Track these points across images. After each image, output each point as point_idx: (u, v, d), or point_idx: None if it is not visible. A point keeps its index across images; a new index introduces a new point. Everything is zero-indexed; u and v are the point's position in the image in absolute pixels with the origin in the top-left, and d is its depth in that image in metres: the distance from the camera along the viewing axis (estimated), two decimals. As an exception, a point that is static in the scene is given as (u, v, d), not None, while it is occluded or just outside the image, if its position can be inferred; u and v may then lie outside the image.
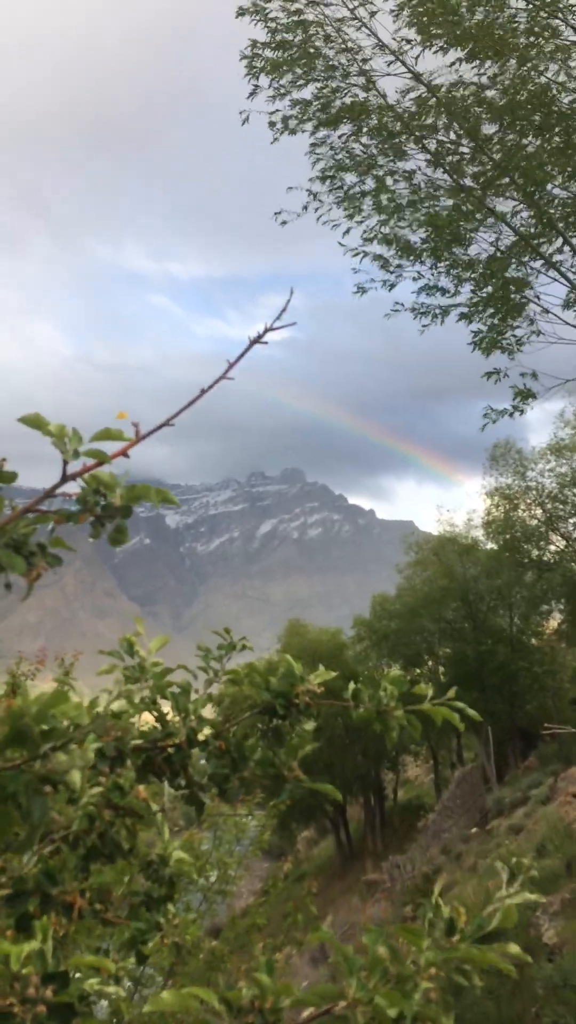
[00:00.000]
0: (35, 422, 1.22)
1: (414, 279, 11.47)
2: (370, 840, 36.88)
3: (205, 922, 4.82)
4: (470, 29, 9.75)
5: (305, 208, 11.15)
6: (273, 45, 10.48)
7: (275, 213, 11.19)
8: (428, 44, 10.07)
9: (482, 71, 10.28)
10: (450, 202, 11.02)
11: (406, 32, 10.10)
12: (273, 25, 10.45)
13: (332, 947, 1.19)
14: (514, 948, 1.28)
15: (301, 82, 10.67)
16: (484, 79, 10.31)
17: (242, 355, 1.34)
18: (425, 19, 9.84)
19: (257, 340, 1.35)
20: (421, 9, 9.82)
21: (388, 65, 10.50)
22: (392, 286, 11.50)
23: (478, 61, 10.13)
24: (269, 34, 10.51)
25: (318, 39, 10.46)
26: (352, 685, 1.61)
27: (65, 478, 1.23)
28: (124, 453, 1.25)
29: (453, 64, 10.20)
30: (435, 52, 10.12)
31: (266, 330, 1.35)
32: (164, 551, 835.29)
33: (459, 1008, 10.30)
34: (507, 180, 10.85)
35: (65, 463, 1.22)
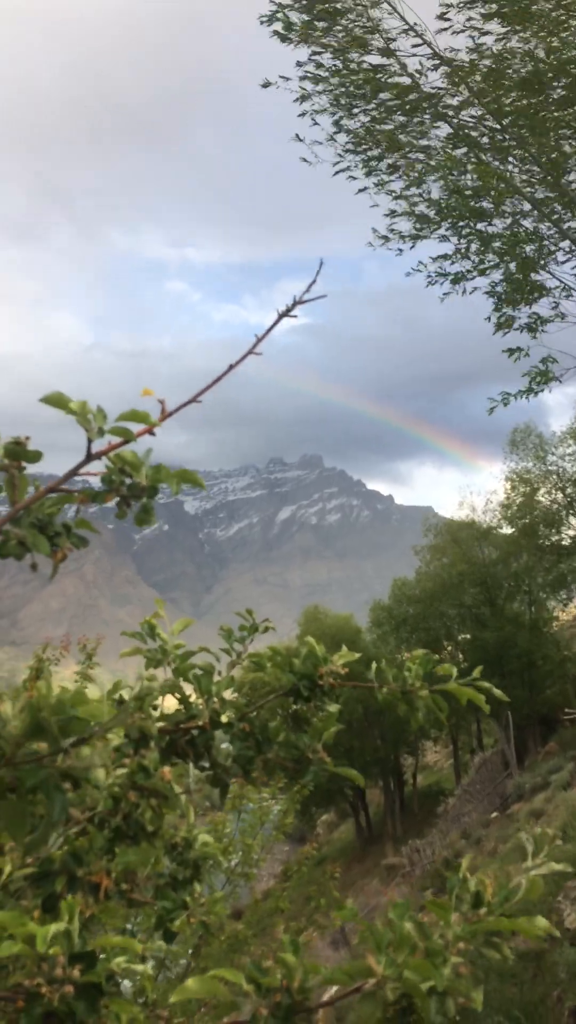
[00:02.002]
0: (57, 401, 1.20)
1: (439, 241, 11.30)
2: (390, 824, 37.01)
3: (228, 905, 4.86)
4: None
5: (335, 167, 10.96)
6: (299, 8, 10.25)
7: (302, 159, 11.03)
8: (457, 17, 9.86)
9: (507, 42, 10.06)
10: (469, 178, 10.86)
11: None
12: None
13: (358, 924, 1.18)
14: (542, 922, 1.27)
15: (329, 54, 10.47)
16: (509, 46, 10.08)
17: (272, 327, 1.32)
18: None
19: (286, 313, 1.32)
20: None
21: (413, 48, 10.34)
22: (415, 241, 11.31)
23: (506, 30, 9.90)
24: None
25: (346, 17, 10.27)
26: (375, 665, 1.61)
27: (90, 457, 1.21)
28: (150, 431, 1.23)
29: (477, 34, 9.98)
30: (464, 29, 9.92)
31: (295, 303, 1.33)
32: (183, 537, 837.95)
33: (482, 992, 10.36)
34: (527, 155, 10.70)
35: (89, 442, 1.20)
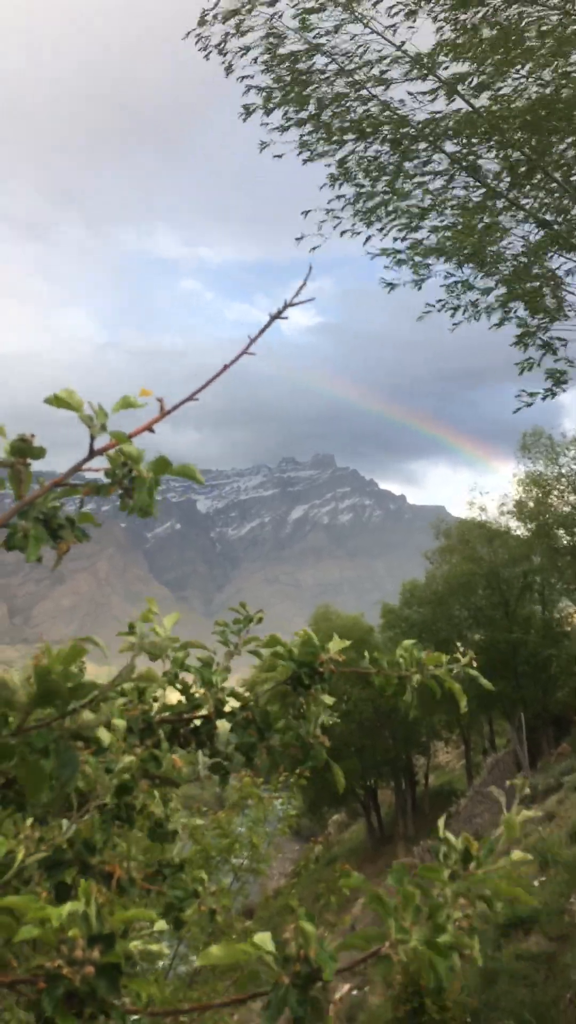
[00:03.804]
0: (59, 401, 1.24)
1: (444, 278, 11.39)
2: (401, 824, 36.98)
3: (238, 903, 4.87)
4: (497, 43, 9.58)
5: (319, 228, 11.12)
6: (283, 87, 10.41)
7: (296, 239, 11.21)
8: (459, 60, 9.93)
9: (512, 80, 10.10)
10: (472, 204, 10.90)
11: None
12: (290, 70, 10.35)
13: (364, 891, 1.24)
14: (518, 855, 1.31)
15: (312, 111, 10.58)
16: (512, 89, 10.14)
17: (263, 330, 1.36)
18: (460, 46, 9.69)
19: (277, 315, 1.36)
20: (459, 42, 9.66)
21: (405, 75, 10.36)
22: (420, 284, 11.43)
23: (506, 70, 9.97)
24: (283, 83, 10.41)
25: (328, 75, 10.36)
26: (367, 654, 1.70)
27: (93, 453, 1.26)
28: (149, 428, 1.28)
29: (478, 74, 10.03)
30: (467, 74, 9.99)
31: (286, 305, 1.36)
32: (195, 536, 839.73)
33: (493, 994, 10.31)
34: (537, 179, 10.70)
35: (92, 438, 1.25)
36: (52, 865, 1.31)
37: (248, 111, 10.71)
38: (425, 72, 10.20)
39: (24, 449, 1.22)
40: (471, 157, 10.81)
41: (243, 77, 10.57)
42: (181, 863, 1.73)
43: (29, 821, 1.35)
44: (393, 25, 9.84)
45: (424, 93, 10.31)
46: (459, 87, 10.22)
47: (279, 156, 10.96)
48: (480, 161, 10.86)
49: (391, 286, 11.55)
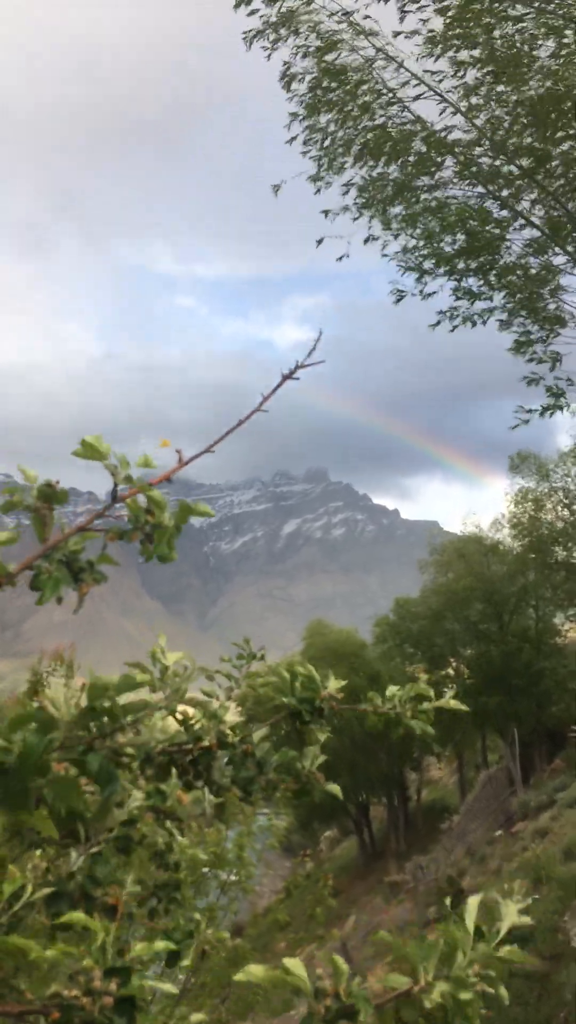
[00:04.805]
0: (89, 453, 1.31)
1: (453, 288, 11.47)
2: (393, 840, 36.78)
3: (227, 920, 4.83)
4: (496, 50, 9.71)
5: (346, 240, 11.21)
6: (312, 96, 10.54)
7: (317, 241, 11.27)
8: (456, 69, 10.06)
9: (511, 88, 10.22)
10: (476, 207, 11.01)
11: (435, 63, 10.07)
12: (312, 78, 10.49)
13: (390, 943, 1.29)
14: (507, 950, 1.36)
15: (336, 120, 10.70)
16: (513, 97, 10.26)
17: (275, 390, 1.43)
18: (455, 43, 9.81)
19: (289, 376, 1.42)
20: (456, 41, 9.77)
21: (414, 99, 10.49)
22: (428, 295, 11.51)
23: (505, 79, 10.09)
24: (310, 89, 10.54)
25: (352, 82, 10.47)
26: (362, 697, 1.73)
27: (116, 499, 1.34)
28: (167, 479, 1.37)
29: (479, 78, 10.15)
30: (461, 75, 10.10)
31: (297, 366, 1.43)
32: (188, 550, 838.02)
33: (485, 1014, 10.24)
34: (536, 185, 10.80)
35: (115, 486, 1.33)
36: (53, 896, 1.32)
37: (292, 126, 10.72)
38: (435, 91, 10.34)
39: (50, 494, 1.30)
40: (476, 168, 10.92)
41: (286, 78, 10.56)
42: (176, 883, 1.74)
43: (38, 853, 1.36)
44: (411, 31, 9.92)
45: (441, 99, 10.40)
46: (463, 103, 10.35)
47: (316, 183, 11.05)
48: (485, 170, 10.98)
49: (400, 294, 11.59)
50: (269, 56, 10.52)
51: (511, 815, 27.15)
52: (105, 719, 1.23)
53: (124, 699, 1.26)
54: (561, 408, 10.88)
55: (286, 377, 1.42)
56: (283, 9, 10.12)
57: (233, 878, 4.80)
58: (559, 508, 30.30)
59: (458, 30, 9.70)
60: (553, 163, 10.61)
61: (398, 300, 11.65)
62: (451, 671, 35.63)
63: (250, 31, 10.37)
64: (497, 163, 10.83)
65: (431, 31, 9.84)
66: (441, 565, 34.91)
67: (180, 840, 1.72)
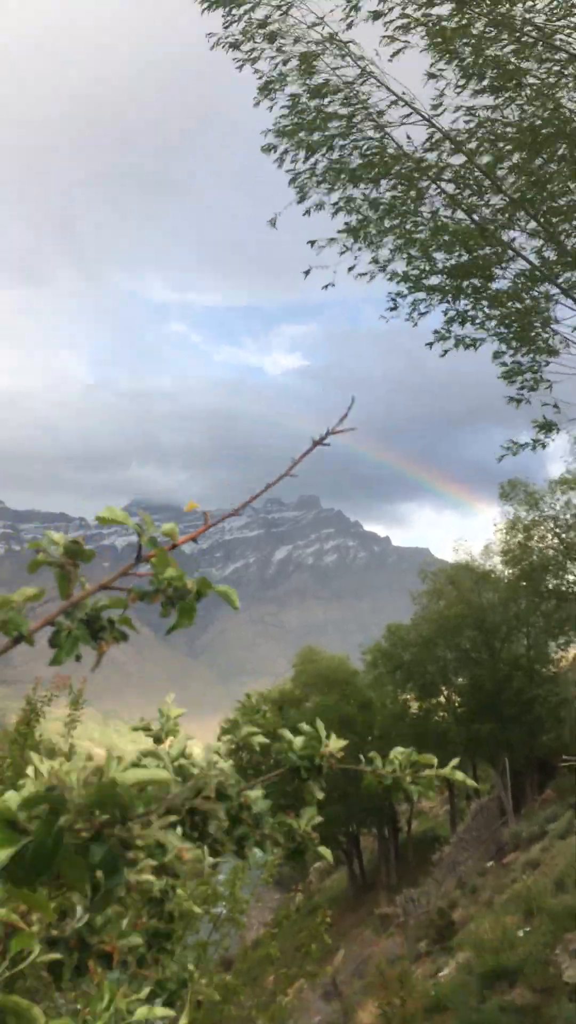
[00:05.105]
0: (112, 518, 1.32)
1: (444, 313, 11.56)
2: (384, 872, 36.36)
3: (216, 955, 4.74)
4: (487, 62, 9.81)
5: (320, 251, 11.31)
6: (293, 119, 10.64)
7: (304, 272, 11.36)
8: (441, 77, 10.14)
9: (500, 104, 10.33)
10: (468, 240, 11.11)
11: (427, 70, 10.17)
12: (292, 102, 10.59)
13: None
14: None
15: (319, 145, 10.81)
16: (503, 113, 10.36)
17: (305, 455, 1.44)
18: (444, 52, 9.91)
19: (319, 442, 1.43)
20: (446, 47, 9.86)
21: (401, 119, 10.59)
22: (420, 316, 11.60)
23: (496, 95, 10.19)
24: (288, 110, 10.64)
25: (335, 104, 10.59)
26: (362, 757, 1.73)
27: (140, 559, 1.34)
28: (193, 539, 1.40)
29: (470, 96, 10.25)
30: (457, 90, 10.20)
31: (328, 432, 1.43)
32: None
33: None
34: (524, 214, 10.92)
35: (140, 547, 1.33)
36: (49, 943, 1.30)
37: (270, 149, 10.82)
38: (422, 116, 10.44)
39: (75, 551, 1.30)
40: (468, 198, 11.02)
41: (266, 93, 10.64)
42: (169, 934, 1.70)
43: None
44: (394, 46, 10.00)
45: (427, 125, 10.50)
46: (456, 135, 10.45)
47: (311, 212, 11.14)
48: (473, 200, 11.09)
49: (392, 308, 11.68)
50: (241, 67, 10.54)
51: (502, 845, 26.91)
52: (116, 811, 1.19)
53: (135, 775, 1.22)
54: (544, 445, 10.94)
55: (316, 443, 1.42)
56: (253, 18, 10.13)
57: (224, 911, 4.72)
58: (549, 536, 30.38)
59: (448, 52, 9.81)
60: (542, 194, 10.73)
61: (390, 312, 11.70)
62: (443, 699, 35.50)
63: (215, 35, 10.41)
64: (485, 189, 10.94)
65: (434, 37, 9.90)
66: (433, 593, 34.90)
67: (179, 892, 1.71)
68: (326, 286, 11.48)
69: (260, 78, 10.57)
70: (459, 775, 1.71)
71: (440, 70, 10.04)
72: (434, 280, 11.38)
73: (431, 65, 10.08)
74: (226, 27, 10.31)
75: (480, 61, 9.91)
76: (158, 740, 1.63)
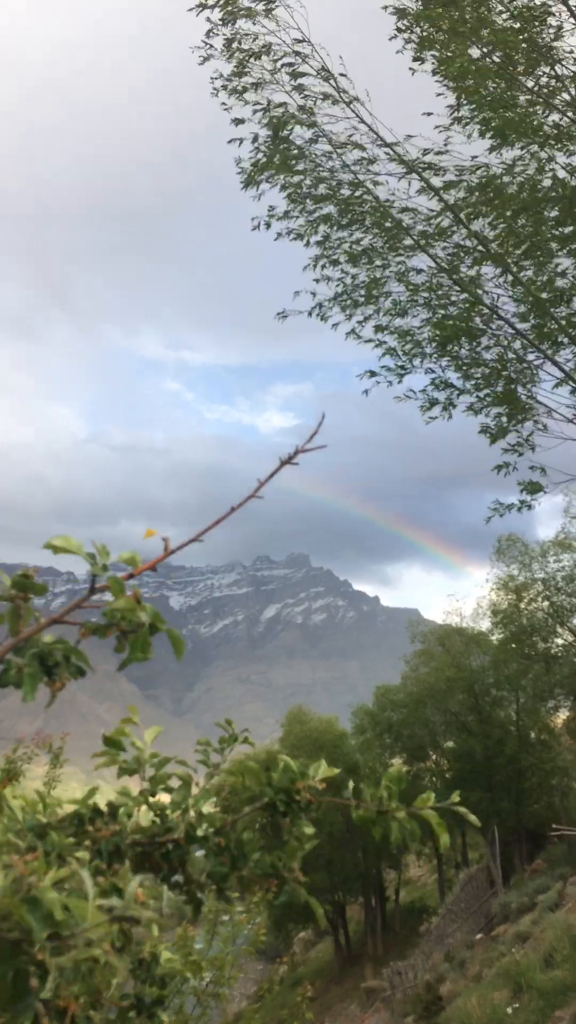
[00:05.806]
0: (63, 547, 1.27)
1: (425, 372, 11.73)
2: (370, 943, 35.26)
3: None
4: (511, 117, 10.08)
5: (310, 313, 11.55)
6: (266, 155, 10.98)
7: (278, 313, 11.58)
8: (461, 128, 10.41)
9: (503, 159, 10.57)
10: (453, 310, 11.32)
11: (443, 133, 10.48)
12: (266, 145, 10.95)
13: None
14: None
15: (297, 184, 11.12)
16: (502, 168, 10.59)
17: (272, 475, 1.39)
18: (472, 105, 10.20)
19: (287, 461, 1.39)
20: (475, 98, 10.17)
21: (399, 179, 10.88)
22: (401, 376, 11.76)
23: (501, 151, 10.44)
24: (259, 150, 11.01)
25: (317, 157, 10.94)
26: (351, 784, 1.58)
27: (93, 590, 1.29)
28: (152, 567, 1.33)
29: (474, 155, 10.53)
30: (468, 138, 10.48)
31: (296, 451, 1.39)
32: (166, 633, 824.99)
33: None
34: (512, 281, 11.17)
35: (94, 577, 1.28)
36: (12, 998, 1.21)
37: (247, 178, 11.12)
38: (411, 170, 10.73)
39: (26, 585, 1.25)
40: (455, 262, 11.26)
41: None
42: (161, 1000, 1.58)
43: None
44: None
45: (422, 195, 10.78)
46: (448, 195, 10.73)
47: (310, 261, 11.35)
48: (461, 267, 11.31)
49: (371, 373, 11.84)
50: (229, 109, 10.94)
51: (491, 917, 26.18)
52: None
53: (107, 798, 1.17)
54: (530, 507, 10.99)
55: (284, 462, 1.38)
56: (242, 49, 10.51)
57: (208, 984, 4.55)
58: (539, 599, 30.29)
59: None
60: (527, 261, 10.99)
61: (370, 375, 11.89)
62: (432, 763, 34.93)
63: (217, 77, 10.81)
64: (480, 259, 11.19)
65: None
66: (422, 654, 34.61)
67: (166, 953, 1.60)
68: (310, 312, 11.63)
69: (240, 165, 11.00)
70: (461, 809, 1.61)
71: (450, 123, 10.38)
72: (421, 349, 11.57)
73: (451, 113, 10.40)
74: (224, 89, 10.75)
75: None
76: (129, 771, 1.54)
